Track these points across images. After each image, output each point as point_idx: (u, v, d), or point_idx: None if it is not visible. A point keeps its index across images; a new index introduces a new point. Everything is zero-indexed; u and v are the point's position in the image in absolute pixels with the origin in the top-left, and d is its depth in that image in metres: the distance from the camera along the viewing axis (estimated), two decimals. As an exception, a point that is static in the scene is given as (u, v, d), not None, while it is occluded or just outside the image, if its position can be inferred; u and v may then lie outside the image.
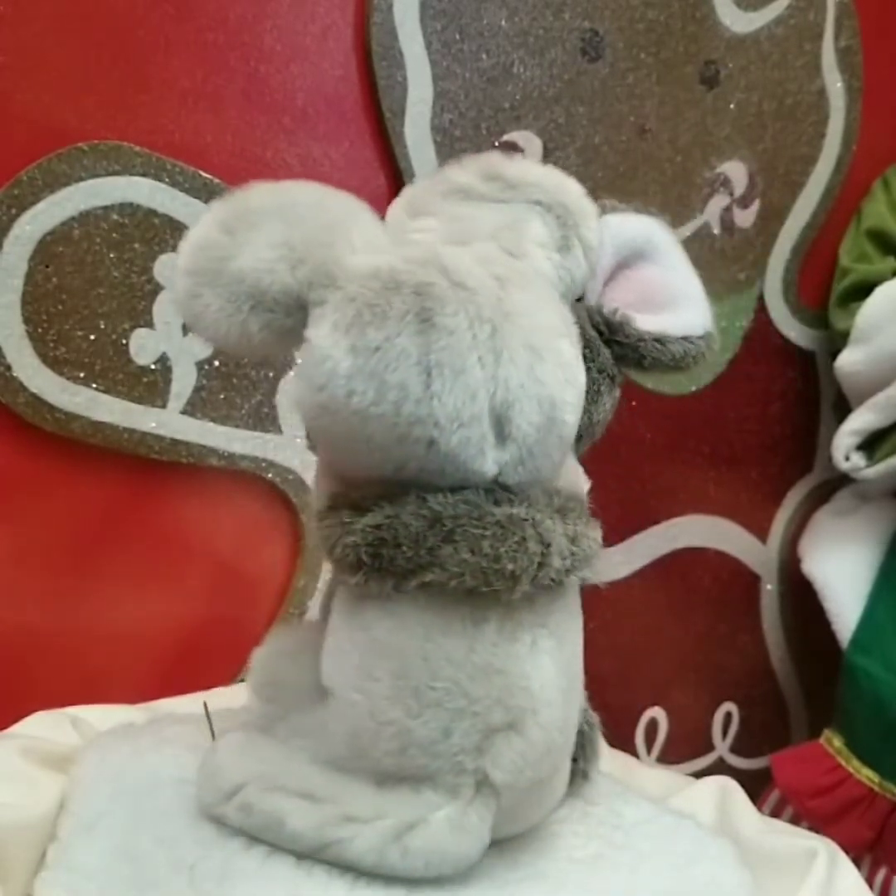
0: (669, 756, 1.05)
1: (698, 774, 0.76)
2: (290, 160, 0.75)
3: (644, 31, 0.88)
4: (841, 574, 0.98)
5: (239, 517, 0.78)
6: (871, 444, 0.95)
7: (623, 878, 0.47)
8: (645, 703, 1.03)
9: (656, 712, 1.03)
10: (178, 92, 0.70)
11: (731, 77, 0.94)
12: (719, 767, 1.08)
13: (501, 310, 0.40)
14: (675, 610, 1.03)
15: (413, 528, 0.40)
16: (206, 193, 0.71)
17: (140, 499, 0.74)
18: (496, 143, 0.82)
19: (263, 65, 0.73)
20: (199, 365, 0.73)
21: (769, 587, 1.09)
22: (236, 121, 0.73)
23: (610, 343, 0.51)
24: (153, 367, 0.72)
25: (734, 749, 1.10)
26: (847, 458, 0.95)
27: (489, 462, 0.41)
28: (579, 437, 0.47)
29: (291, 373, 0.76)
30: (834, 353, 0.98)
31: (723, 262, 0.98)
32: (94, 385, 0.70)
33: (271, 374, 0.76)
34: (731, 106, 0.95)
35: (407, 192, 0.49)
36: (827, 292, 1.02)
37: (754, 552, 1.08)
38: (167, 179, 0.70)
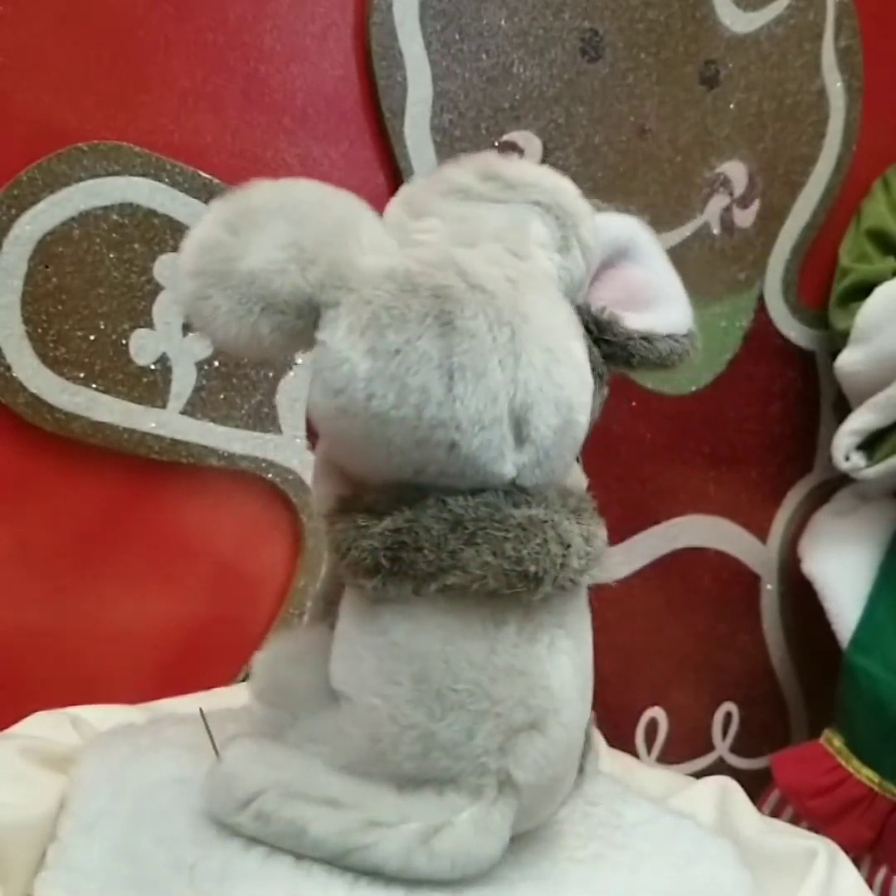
0: (669, 756, 1.05)
1: (698, 774, 0.76)
2: (290, 160, 0.75)
3: (644, 30, 0.88)
4: (841, 574, 0.98)
5: (239, 517, 0.78)
6: (871, 444, 0.95)
7: (623, 878, 0.47)
8: (645, 703, 1.03)
9: (656, 712, 1.03)
10: (178, 92, 0.70)
11: (730, 77, 0.94)
12: (719, 767, 1.08)
13: (518, 312, 0.41)
14: (675, 610, 1.03)
15: (435, 531, 0.40)
16: (205, 193, 0.71)
17: (140, 499, 0.74)
18: (496, 144, 0.82)
19: (263, 65, 0.73)
20: (199, 365, 0.73)
21: (769, 587, 1.09)
22: (236, 121, 0.73)
23: (598, 342, 0.51)
24: (153, 367, 0.72)
25: (734, 749, 1.10)
26: (847, 458, 0.95)
27: (508, 464, 0.41)
28: None
29: (291, 373, 0.76)
30: (834, 353, 0.98)
31: (723, 262, 0.97)
32: (94, 385, 0.70)
33: (271, 375, 0.76)
34: (731, 106, 0.95)
35: (404, 192, 0.49)
36: (827, 292, 1.02)
37: (754, 552, 1.08)
38: (167, 179, 0.70)
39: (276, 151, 0.74)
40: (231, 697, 0.63)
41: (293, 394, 0.77)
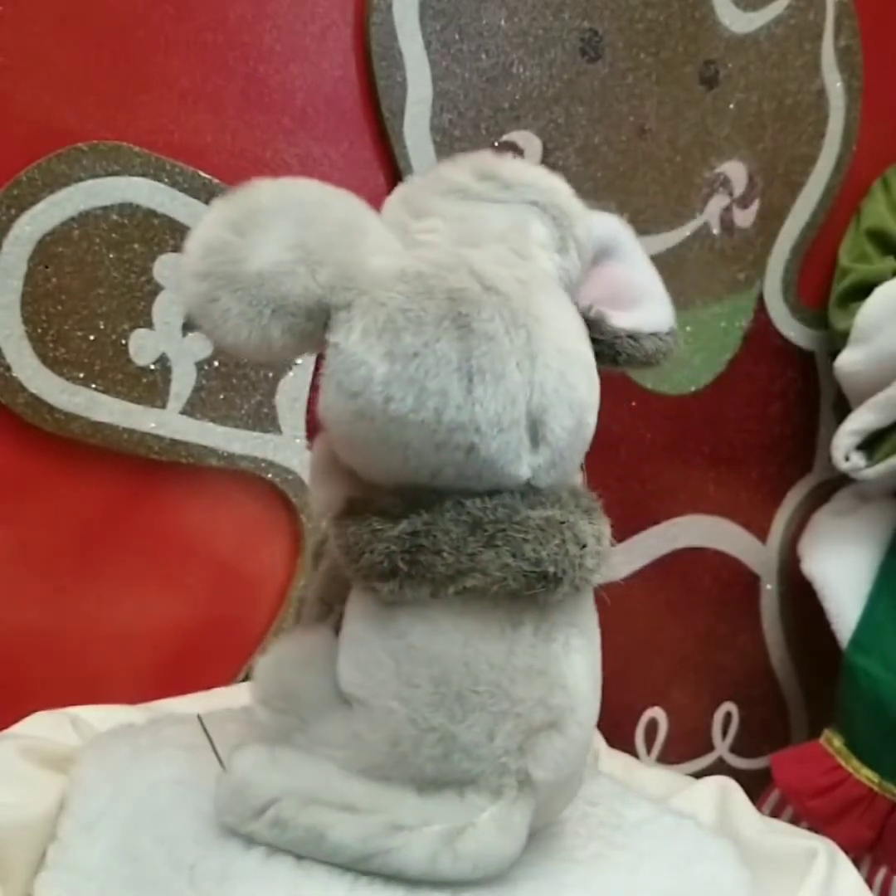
0: (669, 756, 1.05)
1: (698, 774, 0.76)
2: (290, 160, 0.75)
3: (644, 31, 0.88)
4: (841, 574, 0.98)
5: (239, 517, 0.78)
6: (871, 444, 0.95)
7: (623, 878, 0.47)
8: (645, 703, 1.03)
9: (656, 712, 1.03)
10: (178, 92, 0.70)
11: (730, 77, 0.94)
12: (719, 767, 1.08)
13: (530, 313, 0.41)
14: (675, 610, 1.03)
15: (454, 533, 0.40)
16: (205, 193, 0.71)
17: (140, 499, 0.74)
18: (496, 144, 0.82)
19: (263, 65, 0.73)
20: (199, 365, 0.73)
21: (769, 587, 1.09)
22: (236, 121, 0.73)
23: None
24: (153, 367, 0.72)
25: (734, 749, 1.10)
26: (847, 458, 0.95)
27: (524, 466, 0.41)
28: None
29: (291, 373, 0.76)
30: (834, 353, 0.98)
31: (723, 262, 0.97)
32: (94, 385, 0.70)
33: (271, 375, 0.76)
34: (731, 106, 0.94)
35: (402, 190, 0.49)
36: (827, 292, 1.02)
37: (754, 552, 1.08)
38: (167, 180, 0.70)
39: (275, 151, 0.74)
40: (231, 697, 0.63)
41: (293, 394, 0.77)
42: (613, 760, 0.70)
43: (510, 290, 0.41)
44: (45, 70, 0.66)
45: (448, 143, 0.79)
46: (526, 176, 0.47)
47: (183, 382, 0.73)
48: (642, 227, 0.91)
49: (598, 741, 0.71)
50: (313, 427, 0.77)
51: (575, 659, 0.44)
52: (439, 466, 0.40)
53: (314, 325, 0.40)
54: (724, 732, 1.09)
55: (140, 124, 0.69)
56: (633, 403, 0.95)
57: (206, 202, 0.71)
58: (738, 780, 0.66)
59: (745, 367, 1.01)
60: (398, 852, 0.42)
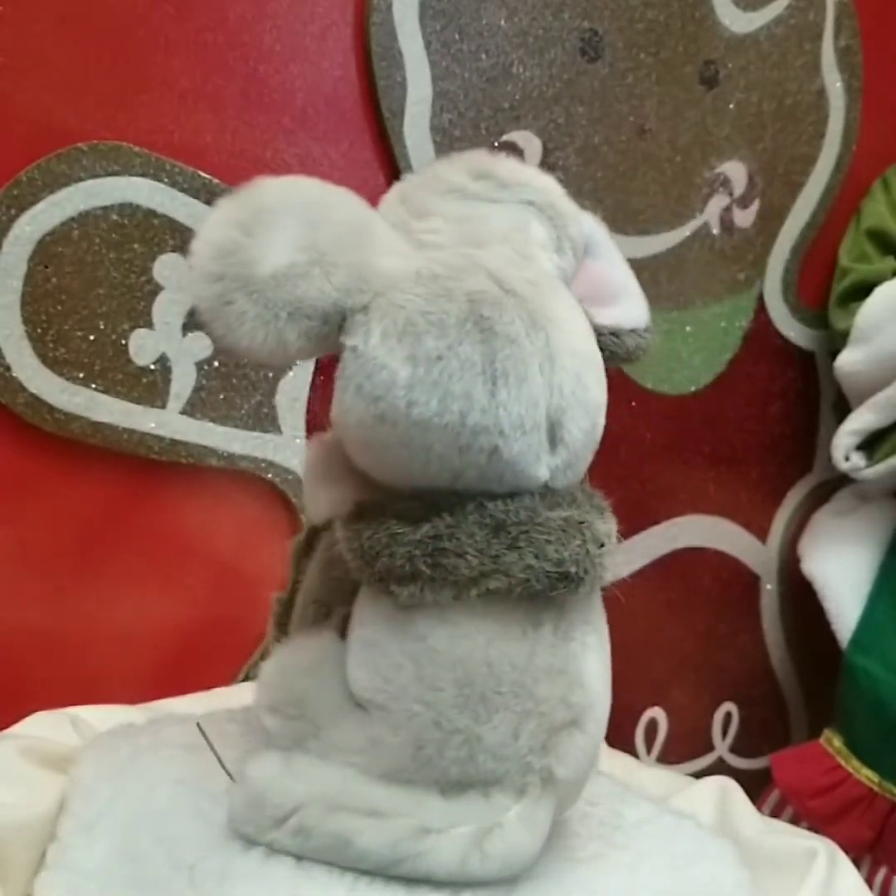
0: (669, 756, 1.05)
1: (698, 774, 0.76)
2: (290, 160, 0.75)
3: (644, 31, 0.88)
4: (841, 574, 0.98)
5: (239, 517, 0.78)
6: (871, 444, 0.95)
7: (623, 878, 0.47)
8: (645, 703, 1.03)
9: (656, 712, 1.03)
10: (178, 92, 0.70)
11: (730, 77, 0.94)
12: (719, 767, 1.08)
13: (546, 316, 0.41)
14: (675, 610, 1.03)
15: (478, 536, 0.40)
16: (205, 193, 0.71)
17: (140, 499, 0.74)
18: (496, 144, 0.82)
19: (263, 65, 0.73)
20: (199, 365, 0.73)
21: (769, 587, 1.09)
22: (236, 121, 0.73)
23: None
24: (153, 367, 0.72)
25: (734, 749, 1.10)
26: (847, 458, 0.95)
27: (544, 468, 0.41)
28: None
29: (291, 373, 0.76)
30: (834, 353, 0.98)
31: (723, 262, 0.97)
32: (94, 385, 0.70)
33: (271, 375, 0.76)
34: (731, 106, 0.94)
35: (399, 189, 0.48)
36: (827, 292, 1.02)
37: (754, 552, 1.08)
38: (167, 180, 0.70)
39: (275, 151, 0.74)
40: (231, 697, 0.63)
41: (293, 394, 0.77)
42: (613, 760, 0.70)
43: (526, 292, 0.41)
44: (45, 70, 0.66)
45: (448, 143, 0.79)
46: (521, 175, 0.47)
47: (183, 382, 0.73)
48: (642, 227, 0.91)
49: (599, 741, 0.71)
50: (313, 427, 0.77)
51: (591, 657, 0.44)
52: (461, 469, 0.40)
53: (329, 329, 0.40)
54: (724, 732, 1.09)
55: (140, 124, 0.69)
56: (633, 403, 0.95)
57: (206, 202, 0.71)
58: (738, 780, 0.66)
59: (745, 367, 1.01)
60: (427, 856, 0.42)
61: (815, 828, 0.86)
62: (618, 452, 0.95)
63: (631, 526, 0.99)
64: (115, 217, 0.69)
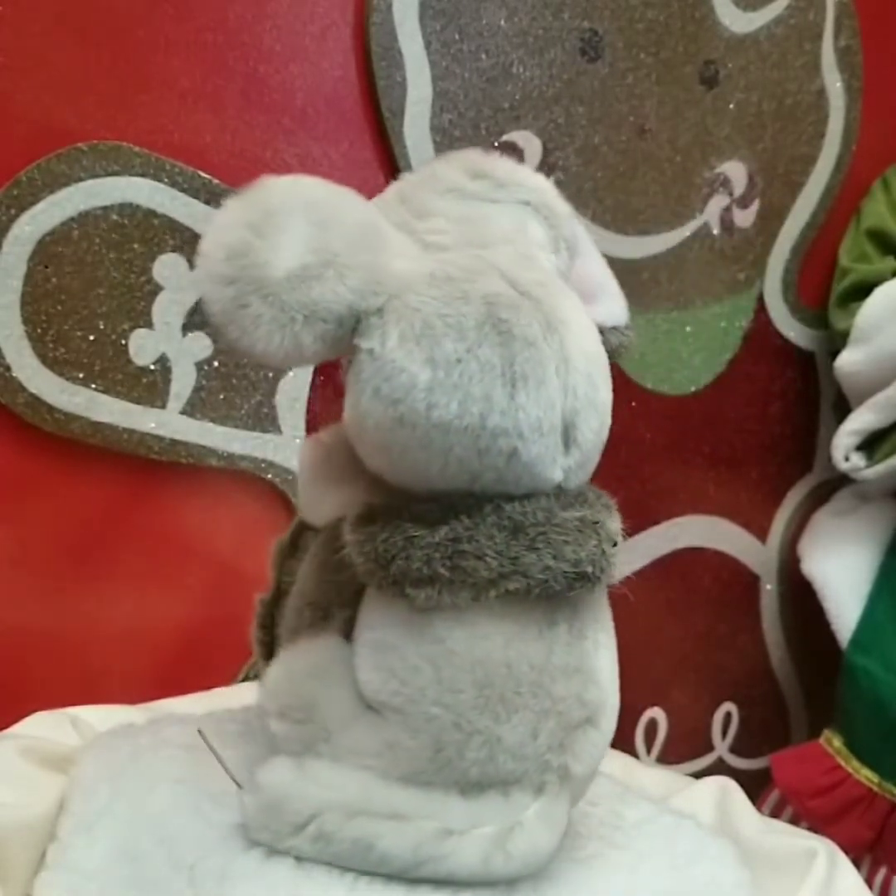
0: (669, 756, 1.05)
1: (698, 774, 0.76)
2: (290, 160, 0.75)
3: (643, 31, 0.88)
4: (841, 574, 0.98)
5: (239, 517, 0.78)
6: (871, 444, 0.95)
7: (623, 878, 0.47)
8: (645, 703, 1.03)
9: (656, 712, 1.03)
10: (178, 92, 0.70)
11: (730, 77, 0.94)
12: (719, 767, 1.08)
13: (559, 317, 0.41)
14: (675, 610, 1.03)
15: (497, 538, 0.40)
16: (205, 193, 0.71)
17: (140, 499, 0.74)
18: (496, 144, 0.82)
19: (263, 65, 0.73)
20: (199, 365, 0.73)
21: (769, 587, 1.09)
22: (236, 121, 0.73)
23: None
24: (152, 367, 0.72)
25: (734, 749, 1.10)
26: (847, 459, 0.95)
27: (558, 469, 0.42)
28: None
29: (291, 373, 0.76)
30: (834, 353, 0.98)
31: (723, 262, 0.97)
32: (94, 385, 0.70)
33: (271, 375, 0.76)
34: (731, 106, 0.94)
35: (397, 188, 0.48)
36: (827, 292, 1.02)
37: (754, 552, 1.08)
38: (167, 180, 0.70)
39: (275, 151, 0.74)
40: (231, 697, 0.63)
41: (293, 394, 0.77)
42: (613, 760, 0.70)
43: (539, 293, 0.41)
44: (45, 70, 0.66)
45: (448, 143, 0.79)
46: (517, 175, 0.47)
47: (183, 382, 0.73)
48: (642, 227, 0.91)
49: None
50: (313, 427, 0.77)
51: (603, 654, 0.45)
52: (480, 471, 0.40)
53: (343, 332, 0.39)
54: (724, 732, 1.09)
55: (140, 124, 0.69)
56: (633, 403, 0.95)
57: (206, 202, 0.71)
58: (737, 780, 0.66)
59: (745, 367, 1.01)
60: (449, 858, 0.42)
61: (814, 828, 0.86)
62: (618, 452, 0.95)
63: (631, 526, 0.98)
64: (115, 217, 0.69)
